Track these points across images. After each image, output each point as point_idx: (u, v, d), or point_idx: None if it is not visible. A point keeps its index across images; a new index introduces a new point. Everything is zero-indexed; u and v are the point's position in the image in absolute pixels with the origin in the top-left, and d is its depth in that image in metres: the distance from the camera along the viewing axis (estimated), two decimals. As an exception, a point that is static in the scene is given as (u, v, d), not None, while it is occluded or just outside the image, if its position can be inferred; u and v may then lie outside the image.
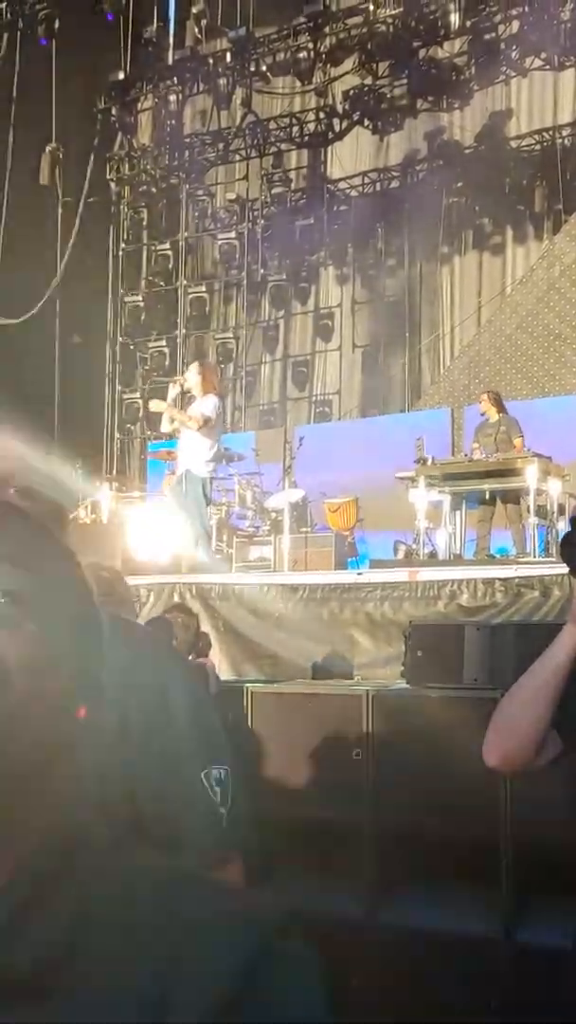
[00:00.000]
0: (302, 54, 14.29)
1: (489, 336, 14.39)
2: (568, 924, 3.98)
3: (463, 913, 4.28)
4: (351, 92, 14.46)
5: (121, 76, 15.36)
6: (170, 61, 14.96)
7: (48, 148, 14.30)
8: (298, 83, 14.88)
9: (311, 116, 15.60)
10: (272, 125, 15.80)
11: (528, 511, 9.32)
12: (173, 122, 15.83)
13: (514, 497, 9.69)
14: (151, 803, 1.50)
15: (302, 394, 16.36)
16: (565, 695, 1.86)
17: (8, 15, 14.04)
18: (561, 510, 9.52)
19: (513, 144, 14.75)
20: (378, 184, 15.88)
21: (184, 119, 16.10)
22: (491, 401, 10.50)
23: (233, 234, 16.17)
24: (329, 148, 15.88)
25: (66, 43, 14.13)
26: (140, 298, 16.63)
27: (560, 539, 2.15)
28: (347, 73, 14.47)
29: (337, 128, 15.26)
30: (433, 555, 9.87)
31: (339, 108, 14.92)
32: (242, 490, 11.47)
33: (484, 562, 9.02)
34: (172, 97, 15.33)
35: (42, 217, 14.43)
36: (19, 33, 14.00)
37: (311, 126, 15.68)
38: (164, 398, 9.85)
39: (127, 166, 16.75)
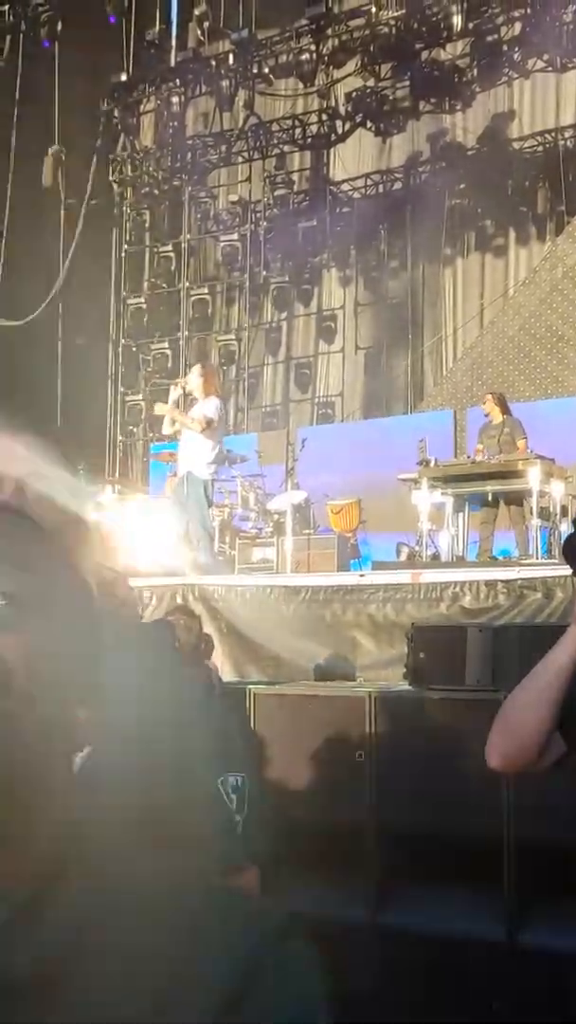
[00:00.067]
0: (304, 56, 14.29)
1: (492, 338, 14.39)
2: (571, 926, 3.98)
3: (466, 915, 4.28)
4: (353, 94, 14.47)
5: (124, 78, 15.38)
6: (172, 63, 14.96)
7: (51, 150, 14.32)
8: (300, 85, 14.88)
9: (313, 118, 15.61)
10: (274, 127, 15.81)
11: (531, 513, 9.31)
12: (176, 124, 15.83)
13: (517, 499, 9.68)
14: (168, 810, 1.48)
15: (305, 396, 16.36)
16: (568, 696, 1.86)
17: (11, 17, 14.06)
18: (564, 512, 9.51)
19: (516, 146, 14.74)
20: (380, 186, 15.88)
21: (187, 121, 16.10)
22: (495, 402, 10.49)
23: (236, 236, 16.18)
24: (332, 150, 15.89)
25: (69, 45, 14.15)
26: (143, 300, 16.64)
27: (563, 541, 2.14)
28: (349, 75, 14.47)
29: (340, 130, 15.26)
30: (436, 557, 9.87)
31: (341, 110, 14.93)
32: (245, 492, 11.47)
33: (487, 564, 9.02)
34: (175, 99, 15.32)
35: (45, 219, 14.44)
36: (22, 35, 14.02)
37: (313, 128, 15.69)
38: (166, 400, 9.86)
39: (130, 168, 16.77)
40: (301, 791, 4.65)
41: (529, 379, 13.83)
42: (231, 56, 14.56)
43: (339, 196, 16.08)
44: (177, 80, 15.28)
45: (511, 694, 1.93)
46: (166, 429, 9.71)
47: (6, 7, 14.03)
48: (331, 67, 14.59)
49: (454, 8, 12.96)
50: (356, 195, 16.05)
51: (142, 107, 16.33)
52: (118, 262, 16.95)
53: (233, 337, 16.20)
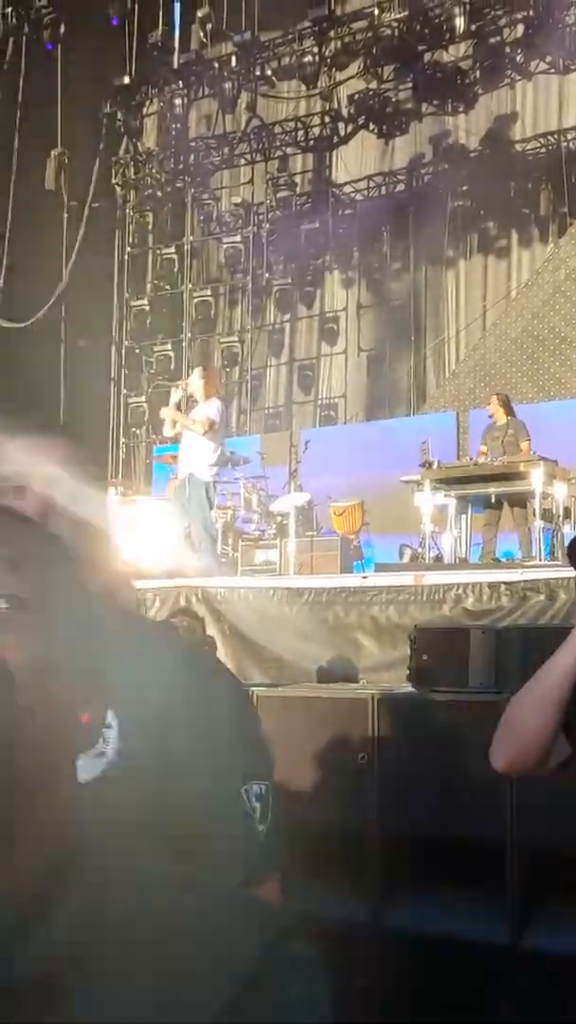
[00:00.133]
0: (307, 58, 14.30)
1: (494, 340, 14.39)
2: (575, 928, 3.98)
3: (469, 917, 4.27)
4: (356, 96, 14.47)
5: (127, 80, 15.38)
6: (175, 65, 14.98)
7: (54, 152, 14.33)
8: (303, 87, 14.88)
9: (316, 120, 15.62)
10: (277, 129, 15.82)
11: (534, 514, 9.31)
12: (178, 126, 15.85)
13: (521, 500, 9.68)
14: (189, 816, 1.46)
15: (308, 398, 16.36)
16: (573, 699, 1.86)
17: (14, 20, 14.07)
18: (567, 513, 9.51)
19: (518, 148, 14.75)
20: (383, 188, 15.89)
21: (189, 123, 16.12)
22: (500, 403, 10.49)
23: (238, 238, 16.18)
24: (334, 152, 15.89)
25: (71, 48, 14.17)
26: (145, 302, 16.65)
27: (568, 544, 2.14)
28: (352, 77, 14.48)
29: (342, 132, 15.27)
30: (439, 559, 9.87)
31: (344, 112, 14.93)
32: (248, 494, 11.47)
33: (489, 566, 9.02)
34: (177, 101, 15.34)
35: (48, 221, 14.45)
36: (25, 38, 14.04)
37: (316, 130, 15.70)
38: (167, 402, 9.87)
39: (132, 170, 16.79)
40: (304, 793, 4.65)
41: (532, 381, 13.83)
42: (234, 58, 14.57)
43: (342, 198, 16.08)
44: (180, 82, 15.29)
45: (515, 697, 1.93)
46: (167, 431, 9.72)
47: (9, 10, 14.04)
48: (334, 69, 14.59)
49: (456, 10, 12.96)
50: (359, 197, 16.05)
51: (145, 109, 16.35)
52: (121, 264, 16.96)
53: (236, 339, 16.21)
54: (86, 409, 14.97)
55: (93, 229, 15.10)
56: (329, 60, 14.37)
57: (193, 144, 16.34)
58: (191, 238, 16.84)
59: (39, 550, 0.85)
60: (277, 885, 1.54)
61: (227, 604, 7.55)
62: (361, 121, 14.69)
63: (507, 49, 13.47)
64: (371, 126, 14.63)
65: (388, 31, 13.60)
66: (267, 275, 16.30)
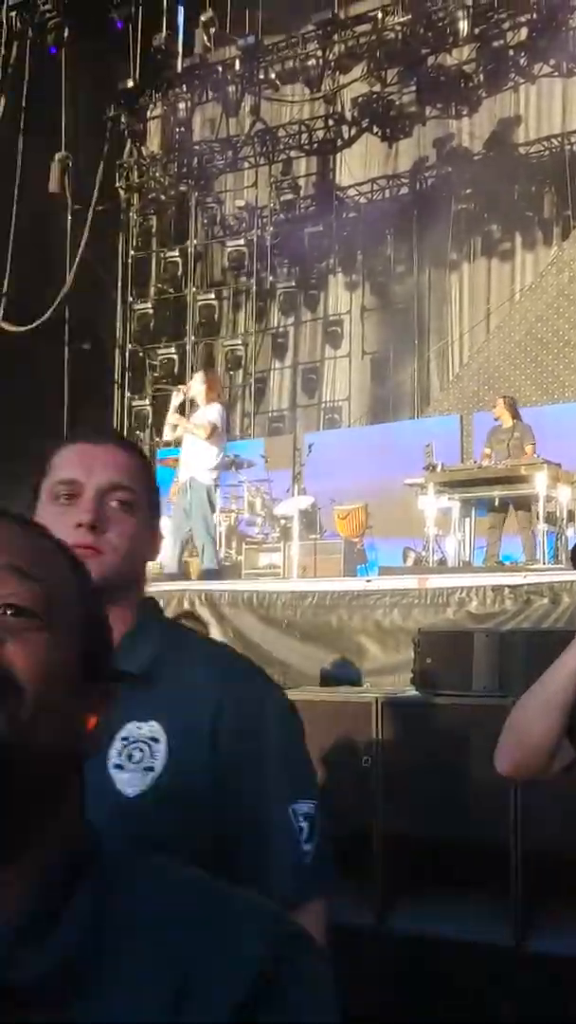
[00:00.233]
0: (311, 62, 14.30)
1: (498, 342, 14.38)
2: (578, 932, 3.97)
3: (473, 921, 4.27)
4: (360, 99, 14.47)
5: (130, 84, 15.37)
6: (179, 69, 14.97)
7: (57, 156, 14.34)
8: (307, 90, 14.88)
9: (320, 123, 15.62)
10: (281, 132, 15.82)
11: (537, 518, 9.31)
12: (182, 129, 15.86)
13: (525, 503, 9.68)
14: (235, 835, 1.45)
15: (311, 401, 16.36)
16: (577, 702, 1.86)
17: (18, 24, 14.08)
18: (570, 516, 9.51)
19: (522, 151, 14.76)
20: (387, 191, 15.90)
21: (193, 126, 16.12)
22: (506, 406, 10.46)
23: (242, 241, 16.19)
24: (338, 155, 15.89)
25: (75, 52, 14.17)
26: (149, 305, 16.66)
27: (571, 548, 2.15)
28: (356, 80, 14.47)
29: (346, 135, 15.26)
30: (443, 562, 9.86)
31: (348, 115, 14.92)
32: (251, 497, 11.48)
33: (493, 569, 9.01)
34: (181, 105, 15.35)
35: (51, 225, 14.46)
36: (28, 42, 14.04)
37: (320, 133, 15.70)
38: (167, 406, 9.87)
39: (136, 174, 16.80)
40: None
41: (536, 384, 13.82)
42: (237, 62, 14.57)
43: (345, 201, 16.09)
44: (184, 86, 15.30)
45: (520, 700, 1.93)
46: (167, 435, 9.72)
47: (13, 14, 14.05)
48: (337, 72, 14.59)
49: (460, 14, 12.96)
50: (362, 200, 16.06)
51: (149, 113, 16.35)
52: (124, 267, 16.98)
53: (240, 342, 16.22)
54: (90, 412, 14.99)
55: (97, 232, 15.10)
56: (333, 63, 14.37)
57: (197, 147, 16.35)
58: (195, 241, 16.85)
59: (48, 559, 0.85)
60: (322, 908, 1.51)
61: (231, 607, 7.55)
62: (365, 124, 14.69)
63: (511, 52, 13.46)
64: (375, 129, 14.63)
65: (392, 34, 13.60)
66: (271, 278, 16.31)
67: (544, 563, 8.89)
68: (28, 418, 12.64)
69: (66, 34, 13.92)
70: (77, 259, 14.55)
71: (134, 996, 0.76)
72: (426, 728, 4.73)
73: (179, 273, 16.72)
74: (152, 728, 1.43)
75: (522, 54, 13.42)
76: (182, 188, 16.69)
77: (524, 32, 13.26)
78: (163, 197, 16.86)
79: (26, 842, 0.79)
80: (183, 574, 8.91)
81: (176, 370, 16.02)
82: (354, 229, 15.84)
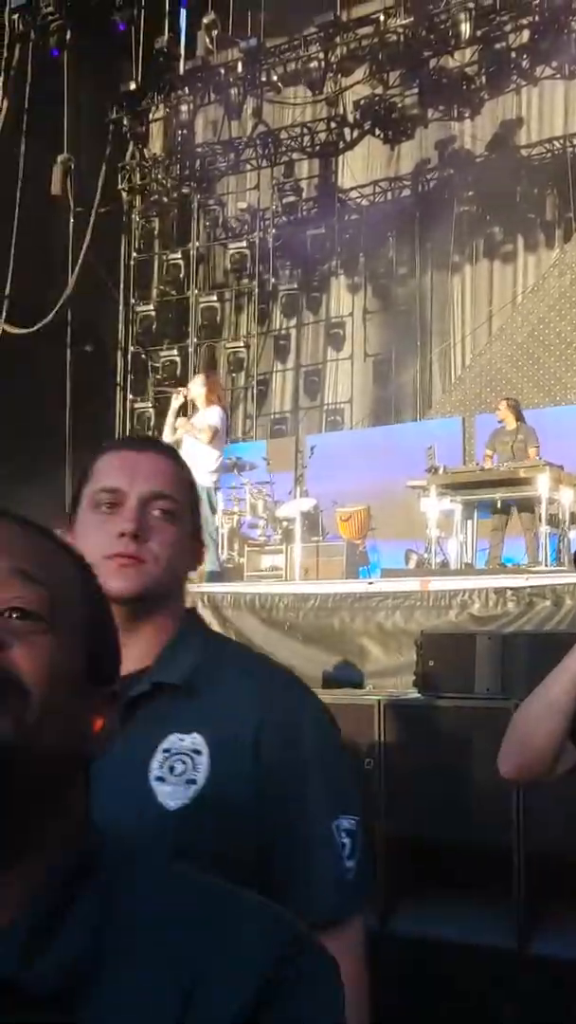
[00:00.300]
0: (313, 64, 14.32)
1: (500, 345, 14.38)
2: (581, 935, 3.97)
3: (475, 924, 4.27)
4: (362, 101, 14.47)
5: (133, 86, 15.39)
6: (182, 71, 14.99)
7: (60, 158, 14.36)
8: (309, 93, 14.90)
9: (322, 126, 15.62)
10: (283, 135, 15.82)
11: (540, 520, 9.30)
12: (184, 132, 15.86)
13: (529, 505, 9.67)
14: (276, 849, 1.43)
15: (313, 403, 16.36)
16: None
17: (20, 27, 14.10)
18: (573, 519, 9.50)
19: (524, 153, 14.77)
20: (389, 193, 15.90)
21: (195, 129, 16.13)
22: (509, 409, 10.45)
23: (244, 243, 16.19)
24: (340, 157, 15.89)
25: (78, 54, 14.19)
26: (151, 307, 16.67)
27: (574, 550, 2.15)
28: (358, 83, 14.48)
29: (348, 137, 15.27)
30: (445, 564, 9.85)
31: (350, 117, 14.93)
32: (253, 499, 11.47)
33: (495, 571, 9.01)
34: (183, 107, 15.36)
35: (54, 227, 14.48)
36: (31, 44, 14.06)
37: (322, 135, 15.71)
38: (167, 409, 9.87)
39: (139, 176, 16.80)
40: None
41: (538, 386, 13.82)
42: (240, 64, 14.58)
43: (347, 203, 16.10)
44: (186, 88, 15.30)
45: (523, 703, 1.93)
46: (167, 437, 9.72)
47: (15, 16, 14.07)
48: (339, 75, 14.61)
49: (462, 16, 12.97)
50: (364, 202, 16.07)
51: (151, 115, 16.37)
52: (127, 270, 16.99)
53: (242, 344, 16.21)
54: (92, 415, 15.00)
55: (99, 235, 15.11)
56: (335, 66, 14.39)
57: (199, 150, 16.36)
58: (197, 243, 16.86)
59: (52, 561, 0.85)
60: (361, 925, 1.50)
61: (233, 610, 7.55)
62: (367, 126, 14.69)
63: (513, 55, 13.47)
64: (377, 131, 14.63)
65: (394, 37, 13.61)
66: (273, 280, 16.31)
67: (546, 565, 8.88)
68: (30, 420, 12.66)
69: (68, 36, 13.95)
70: (79, 261, 14.57)
71: (139, 997, 0.76)
72: (429, 731, 4.73)
73: (181, 275, 16.72)
74: (194, 740, 1.42)
75: (524, 56, 13.43)
76: (184, 190, 16.70)
77: (526, 34, 13.27)
78: (165, 199, 16.88)
79: (31, 843, 0.79)
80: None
81: (178, 372, 16.02)
82: (356, 231, 15.85)
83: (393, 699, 5.01)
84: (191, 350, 16.42)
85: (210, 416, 9.17)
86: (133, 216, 17.03)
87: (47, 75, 13.94)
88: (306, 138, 15.80)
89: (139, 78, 15.31)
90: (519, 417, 10.45)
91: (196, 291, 16.68)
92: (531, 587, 6.68)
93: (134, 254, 17.02)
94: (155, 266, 17.05)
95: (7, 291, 13.72)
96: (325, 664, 6.83)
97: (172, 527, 1.53)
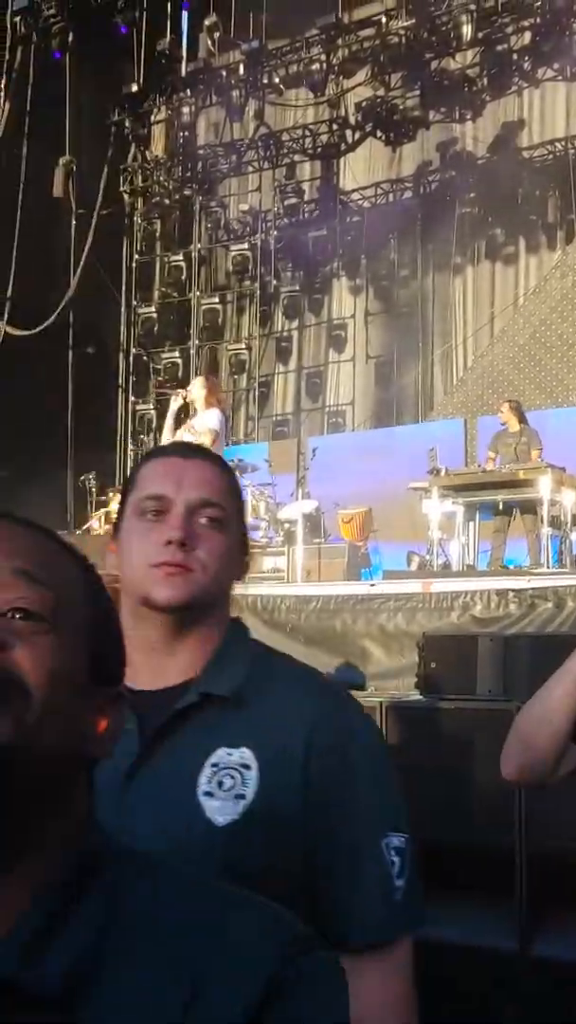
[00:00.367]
0: (315, 66, 14.33)
1: (502, 347, 14.39)
2: (583, 937, 3.96)
3: (477, 925, 4.26)
4: (363, 103, 14.48)
5: (135, 89, 15.42)
6: (183, 73, 15.00)
7: (62, 160, 14.38)
8: (311, 95, 14.92)
9: (324, 127, 15.63)
10: (285, 137, 15.84)
11: (542, 521, 9.29)
12: (186, 134, 15.88)
13: (531, 507, 9.66)
14: (325, 867, 1.40)
15: (315, 405, 16.37)
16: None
17: (22, 29, 14.12)
18: (574, 521, 9.49)
19: (525, 155, 14.77)
20: (391, 195, 15.91)
21: (197, 131, 16.15)
22: (512, 411, 10.42)
23: (246, 245, 16.20)
24: (342, 159, 15.91)
25: (80, 56, 14.22)
26: (153, 309, 16.68)
27: None
28: (360, 85, 14.49)
29: (350, 139, 15.28)
30: (447, 566, 9.85)
31: (352, 119, 14.95)
32: (255, 501, 11.46)
33: (497, 573, 9.00)
34: (185, 109, 15.37)
35: (56, 229, 14.50)
36: (33, 47, 14.09)
37: (324, 137, 15.71)
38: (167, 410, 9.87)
39: (140, 178, 16.82)
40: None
41: (540, 388, 13.82)
42: (241, 66, 14.60)
43: (349, 205, 16.11)
44: (188, 90, 15.32)
45: (526, 705, 1.93)
46: (166, 439, 9.72)
47: (18, 19, 14.10)
48: (341, 77, 14.62)
49: (464, 18, 12.98)
50: (366, 204, 16.08)
51: (153, 117, 16.39)
52: (129, 271, 17.00)
53: (244, 346, 16.22)
54: (94, 416, 15.01)
55: (101, 237, 15.13)
56: (337, 68, 14.40)
57: (201, 152, 16.37)
58: (199, 245, 16.87)
59: (55, 562, 0.85)
60: (410, 946, 1.47)
61: (234, 611, 7.54)
62: (368, 128, 14.70)
63: (514, 56, 13.47)
64: (378, 133, 14.64)
65: (395, 39, 13.62)
66: (275, 282, 16.32)
67: (548, 567, 8.88)
68: (31, 421, 12.67)
69: (70, 39, 13.97)
70: (81, 263, 14.59)
71: (140, 998, 0.76)
72: (431, 732, 4.72)
73: (183, 277, 16.73)
74: (243, 754, 1.39)
75: (526, 58, 13.44)
76: (186, 192, 16.71)
77: (528, 36, 13.28)
78: (167, 201, 16.88)
79: (32, 843, 0.79)
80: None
81: (180, 374, 16.03)
82: (358, 233, 15.86)
83: (395, 701, 5.01)
84: (193, 352, 16.43)
85: (210, 419, 9.17)
86: (135, 218, 17.05)
87: (49, 77, 13.96)
88: (308, 140, 15.81)
89: (141, 80, 15.33)
90: (522, 419, 10.43)
91: (198, 293, 16.69)
92: (533, 589, 6.67)
93: (136, 256, 17.04)
94: (157, 268, 17.07)
95: (9, 293, 13.74)
96: (327, 666, 6.82)
97: (220, 535, 1.50)
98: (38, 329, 13.80)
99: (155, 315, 16.63)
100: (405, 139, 14.67)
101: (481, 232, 15.19)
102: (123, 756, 1.37)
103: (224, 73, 14.92)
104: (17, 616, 0.79)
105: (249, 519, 11.43)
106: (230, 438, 11.94)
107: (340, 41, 14.34)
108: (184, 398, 9.57)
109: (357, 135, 15.07)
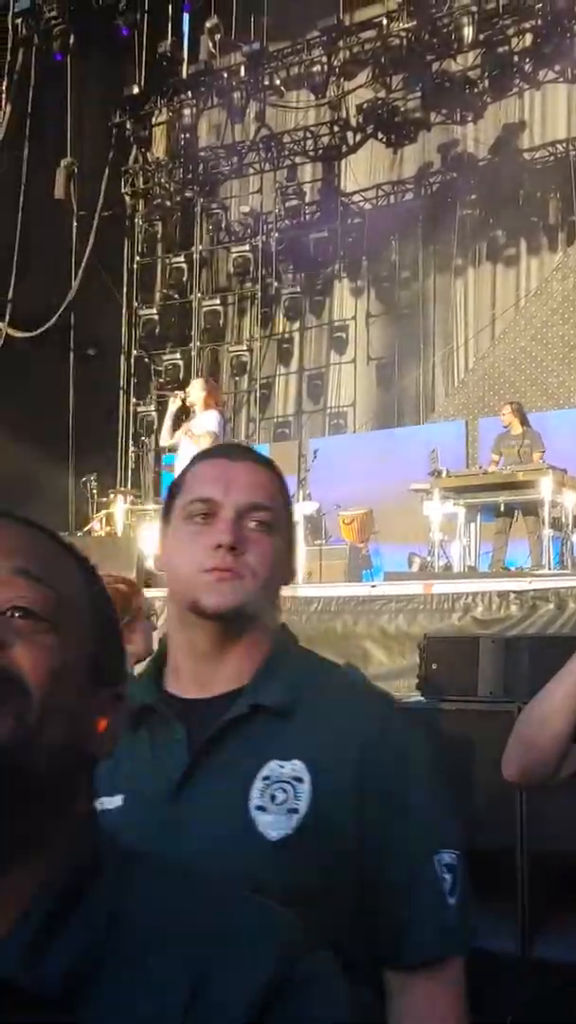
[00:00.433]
0: (316, 68, 14.33)
1: (503, 348, 14.38)
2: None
3: (479, 927, 4.26)
4: (365, 105, 14.49)
5: (136, 90, 15.44)
6: (184, 75, 15.02)
7: (63, 162, 14.39)
8: (312, 97, 14.92)
9: (325, 129, 15.63)
10: (286, 138, 15.84)
11: (543, 523, 9.30)
12: (188, 136, 15.88)
13: (533, 509, 9.66)
14: (377, 883, 1.36)
15: (316, 406, 16.36)
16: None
17: (24, 31, 14.14)
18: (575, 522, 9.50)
19: (527, 156, 14.77)
20: (392, 197, 15.91)
21: (199, 133, 16.16)
22: (514, 413, 10.43)
23: (247, 247, 16.20)
24: (343, 161, 15.91)
25: (81, 58, 14.24)
26: (155, 311, 16.68)
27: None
28: (361, 86, 14.50)
29: (351, 141, 15.28)
30: (448, 567, 9.85)
31: (353, 121, 14.95)
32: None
33: (498, 574, 9.00)
34: (187, 111, 15.38)
35: (57, 231, 14.50)
36: (35, 49, 14.10)
37: (325, 139, 15.71)
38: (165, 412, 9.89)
39: (142, 180, 16.82)
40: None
41: (541, 389, 13.82)
42: (243, 68, 14.61)
43: (350, 207, 16.11)
44: (189, 92, 15.34)
45: (528, 706, 1.93)
46: (164, 441, 9.72)
47: (19, 21, 14.11)
48: (342, 79, 14.62)
49: (465, 19, 12.99)
50: (367, 206, 16.08)
51: (154, 119, 16.38)
52: (130, 273, 17.00)
53: (245, 348, 16.22)
54: (95, 418, 15.02)
55: (102, 238, 15.15)
56: (338, 70, 14.40)
57: (202, 154, 16.38)
58: (200, 247, 16.87)
59: (56, 562, 0.85)
60: (461, 966, 1.42)
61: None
62: (370, 130, 14.71)
63: (515, 58, 13.48)
64: (380, 135, 14.65)
65: (397, 40, 13.62)
66: (276, 284, 16.32)
67: (550, 569, 8.88)
68: (33, 423, 12.67)
69: (72, 41, 13.99)
70: (83, 265, 14.60)
71: (142, 998, 0.75)
72: (431, 734, 4.72)
73: (184, 279, 16.73)
74: (295, 767, 1.35)
75: (527, 60, 13.44)
76: (187, 194, 16.72)
77: (529, 38, 13.28)
78: (168, 203, 16.89)
79: (34, 843, 0.79)
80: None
81: (181, 376, 16.00)
82: (359, 235, 15.86)
83: (396, 702, 5.00)
84: (194, 354, 16.42)
85: (208, 421, 9.18)
86: (136, 220, 17.05)
87: (50, 79, 13.99)
88: (309, 142, 15.81)
89: (142, 82, 15.35)
90: (524, 421, 10.44)
91: (199, 295, 16.69)
92: (534, 590, 6.68)
93: (137, 258, 17.04)
94: (158, 270, 17.08)
95: (10, 295, 13.75)
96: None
97: (269, 539, 1.46)
98: (39, 331, 13.81)
99: (156, 317, 16.63)
100: (406, 141, 14.67)
101: (482, 234, 15.19)
102: (171, 768, 1.36)
103: (225, 75, 14.93)
104: (17, 615, 0.79)
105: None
106: (230, 440, 11.91)
107: (341, 43, 14.34)
108: (183, 400, 9.58)
109: (358, 137, 15.07)
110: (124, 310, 16.81)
